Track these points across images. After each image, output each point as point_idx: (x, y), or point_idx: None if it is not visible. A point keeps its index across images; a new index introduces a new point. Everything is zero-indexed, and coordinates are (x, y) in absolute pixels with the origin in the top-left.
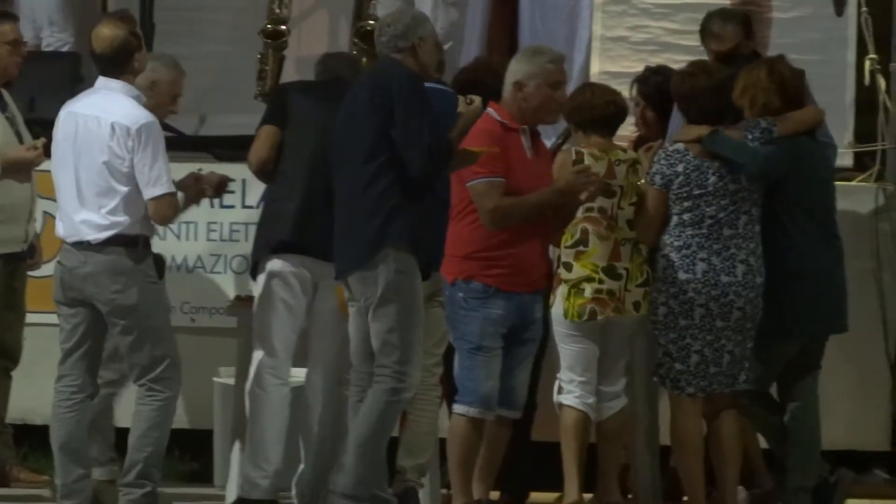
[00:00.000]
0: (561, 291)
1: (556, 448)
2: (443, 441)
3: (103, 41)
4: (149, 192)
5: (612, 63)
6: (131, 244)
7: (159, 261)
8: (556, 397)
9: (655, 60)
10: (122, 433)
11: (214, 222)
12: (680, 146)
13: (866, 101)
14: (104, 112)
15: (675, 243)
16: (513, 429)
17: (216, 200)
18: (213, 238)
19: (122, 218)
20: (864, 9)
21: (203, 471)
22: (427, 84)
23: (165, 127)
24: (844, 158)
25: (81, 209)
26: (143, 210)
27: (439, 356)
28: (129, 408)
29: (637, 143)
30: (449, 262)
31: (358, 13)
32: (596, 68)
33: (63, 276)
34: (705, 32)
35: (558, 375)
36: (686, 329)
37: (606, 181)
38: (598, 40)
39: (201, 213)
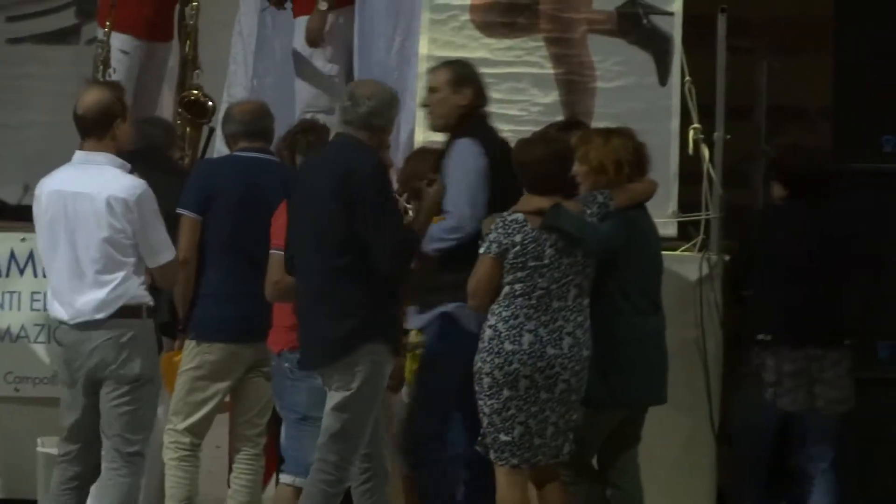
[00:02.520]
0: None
1: None
2: None
3: (88, 103)
4: (155, 260)
5: (436, 133)
6: (136, 314)
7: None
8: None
9: None
10: None
11: (38, 292)
12: (519, 216)
13: (690, 171)
14: (95, 188)
15: (504, 313)
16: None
17: (40, 270)
18: (36, 308)
19: (123, 291)
20: (688, 78)
21: None
22: (251, 154)
23: None
24: (668, 228)
25: (84, 288)
26: (143, 278)
27: (262, 426)
28: None
29: None
30: (276, 333)
31: (182, 82)
32: (420, 136)
33: (66, 355)
34: None
35: None
36: (511, 400)
37: None
38: (421, 109)
39: (25, 282)
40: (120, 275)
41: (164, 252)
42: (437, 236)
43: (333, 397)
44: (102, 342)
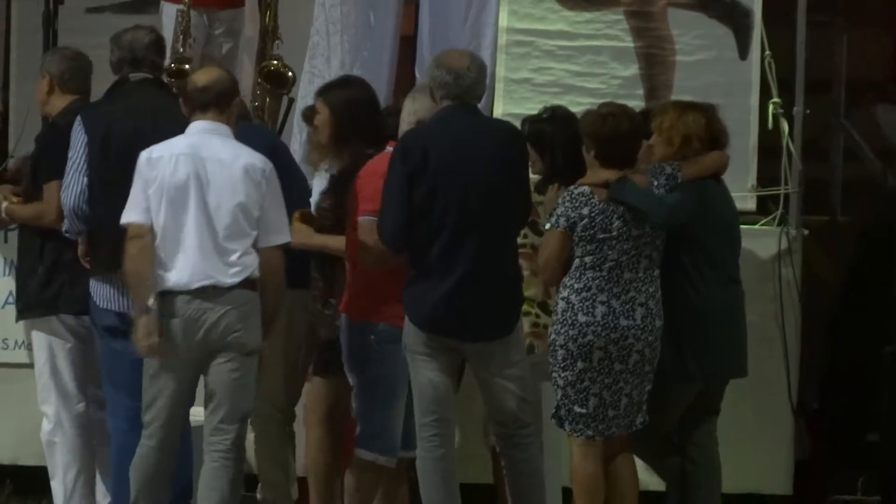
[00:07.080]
0: None
1: (475, 489)
2: None
3: (212, 77)
4: (267, 240)
5: (515, 105)
6: (254, 287)
7: None
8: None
9: (558, 102)
10: None
11: None
12: (585, 189)
13: (769, 145)
14: (228, 154)
15: (576, 286)
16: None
17: None
18: None
19: (251, 261)
20: (768, 52)
21: None
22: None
23: None
24: (747, 202)
25: (212, 253)
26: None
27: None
28: None
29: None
30: (355, 304)
31: (262, 53)
32: (499, 110)
33: (184, 325)
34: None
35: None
36: (584, 372)
37: (534, 219)
38: (501, 81)
39: None
40: (246, 243)
41: (280, 233)
42: None
43: (518, 364)
44: (229, 310)
